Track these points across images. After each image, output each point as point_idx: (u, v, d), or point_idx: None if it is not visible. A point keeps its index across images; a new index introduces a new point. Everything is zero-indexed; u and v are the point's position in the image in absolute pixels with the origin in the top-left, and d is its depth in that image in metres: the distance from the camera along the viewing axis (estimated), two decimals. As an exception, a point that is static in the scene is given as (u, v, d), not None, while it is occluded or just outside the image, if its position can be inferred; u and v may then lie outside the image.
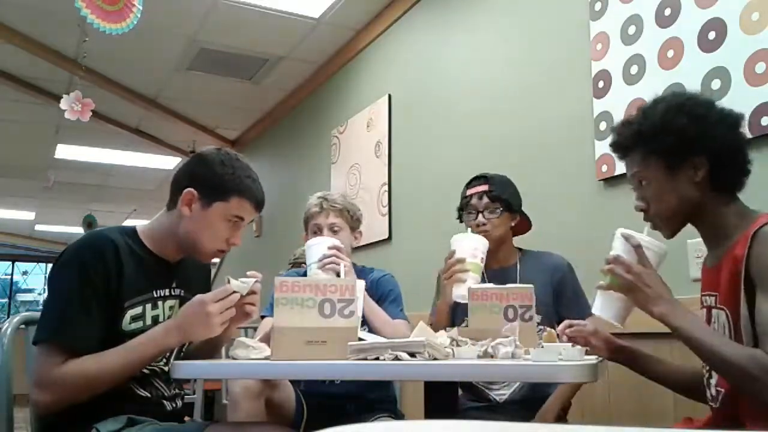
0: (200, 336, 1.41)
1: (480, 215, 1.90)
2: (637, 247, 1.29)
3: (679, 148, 1.27)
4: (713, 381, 1.31)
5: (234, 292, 1.39)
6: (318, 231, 2.03)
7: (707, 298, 1.33)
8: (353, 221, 2.09)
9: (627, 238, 1.31)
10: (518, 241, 2.04)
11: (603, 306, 1.35)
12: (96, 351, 1.38)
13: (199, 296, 1.39)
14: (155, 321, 1.48)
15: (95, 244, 1.43)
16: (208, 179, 1.49)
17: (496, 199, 1.90)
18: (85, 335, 1.37)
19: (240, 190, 1.50)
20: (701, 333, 1.20)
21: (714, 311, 1.29)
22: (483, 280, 1.78)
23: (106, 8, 2.87)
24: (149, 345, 1.39)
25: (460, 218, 2.01)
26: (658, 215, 1.34)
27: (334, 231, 2.02)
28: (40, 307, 1.45)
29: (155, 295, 1.50)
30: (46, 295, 1.44)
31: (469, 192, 1.95)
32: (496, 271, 1.93)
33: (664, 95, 1.37)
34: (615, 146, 1.39)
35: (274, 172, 5.32)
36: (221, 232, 1.50)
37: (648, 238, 1.32)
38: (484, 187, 1.92)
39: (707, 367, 1.32)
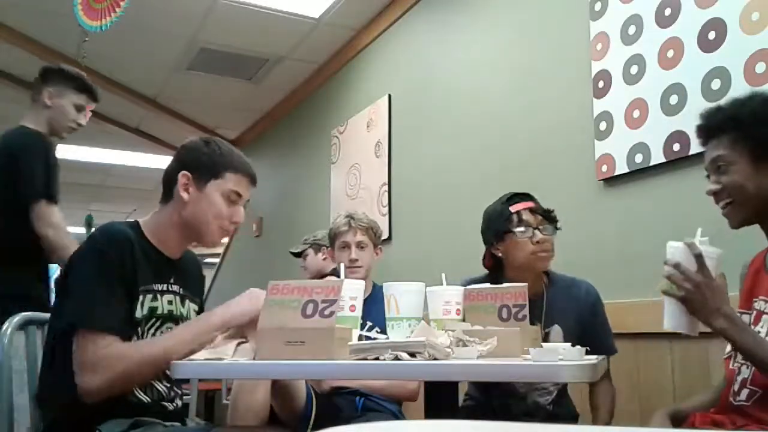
0: (243, 308, 1.42)
1: (537, 231, 1.76)
2: (698, 257, 1.25)
3: None
4: (741, 378, 1.31)
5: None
6: (346, 247, 2.22)
7: (762, 303, 1.33)
8: (376, 238, 2.29)
9: (689, 246, 1.27)
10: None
11: (671, 318, 1.30)
12: (127, 333, 1.41)
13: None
14: (152, 312, 1.49)
15: (109, 232, 1.47)
16: (198, 162, 1.53)
17: (549, 218, 1.80)
18: (117, 317, 1.40)
19: (231, 166, 1.55)
20: (762, 349, 1.20)
21: (766, 317, 1.30)
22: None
23: (93, 5, 2.91)
24: (192, 323, 1.47)
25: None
26: (732, 201, 1.32)
27: (360, 248, 2.22)
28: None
29: (155, 288, 1.52)
30: (68, 283, 1.45)
31: (515, 208, 1.80)
32: None
33: (763, 90, 1.37)
34: (704, 128, 1.37)
35: (274, 172, 5.32)
36: (222, 211, 1.53)
37: (705, 247, 1.29)
38: (531, 204, 1.81)
39: (739, 365, 1.33)
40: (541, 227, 1.78)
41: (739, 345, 1.23)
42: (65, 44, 4.23)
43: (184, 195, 1.52)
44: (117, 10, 2.94)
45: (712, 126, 1.36)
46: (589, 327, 1.81)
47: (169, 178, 1.55)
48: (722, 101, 1.38)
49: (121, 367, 1.35)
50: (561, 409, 1.85)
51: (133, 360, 1.37)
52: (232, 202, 1.54)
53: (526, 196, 1.85)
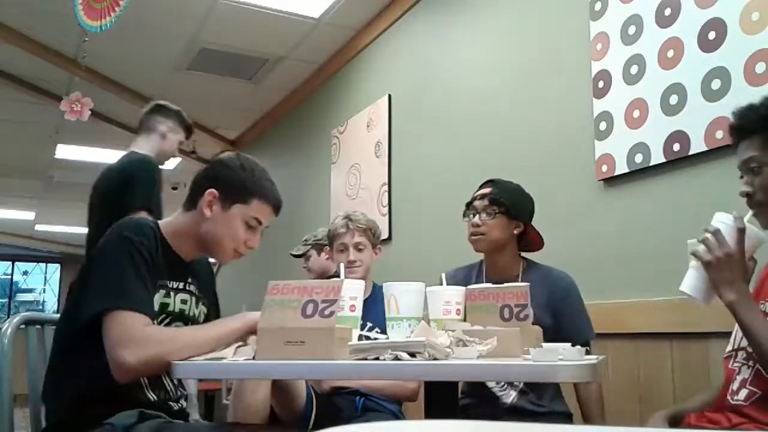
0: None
1: (477, 216, 1.89)
2: (741, 231, 1.26)
3: None
4: (741, 377, 1.31)
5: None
6: (344, 249, 2.22)
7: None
8: (375, 238, 2.28)
9: (736, 219, 1.27)
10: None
11: (692, 284, 1.31)
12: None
13: None
14: (163, 308, 1.50)
15: (136, 224, 1.50)
16: (229, 182, 1.55)
17: (495, 202, 1.88)
18: (151, 301, 1.42)
19: (260, 193, 1.56)
20: (765, 333, 1.20)
21: None
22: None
23: (93, 5, 2.95)
24: (219, 323, 1.48)
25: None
26: (763, 204, 1.31)
27: (359, 249, 2.22)
28: (40, 306, 1.45)
29: (169, 286, 1.53)
30: (96, 270, 1.45)
31: (474, 194, 1.94)
32: (496, 281, 1.85)
33: None
34: (736, 129, 1.36)
35: (274, 172, 5.26)
36: (240, 234, 1.55)
37: (750, 225, 1.29)
38: (488, 190, 1.91)
39: (739, 365, 1.32)
40: (484, 212, 1.88)
41: (744, 322, 1.23)
42: (65, 44, 4.23)
43: (207, 211, 1.53)
44: (117, 9, 2.97)
45: (743, 126, 1.34)
46: (559, 311, 1.82)
47: (196, 189, 1.57)
48: (757, 101, 1.36)
49: (160, 348, 1.34)
50: (543, 394, 1.85)
51: (173, 344, 1.35)
52: (250, 227, 1.56)
53: (487, 183, 1.96)
